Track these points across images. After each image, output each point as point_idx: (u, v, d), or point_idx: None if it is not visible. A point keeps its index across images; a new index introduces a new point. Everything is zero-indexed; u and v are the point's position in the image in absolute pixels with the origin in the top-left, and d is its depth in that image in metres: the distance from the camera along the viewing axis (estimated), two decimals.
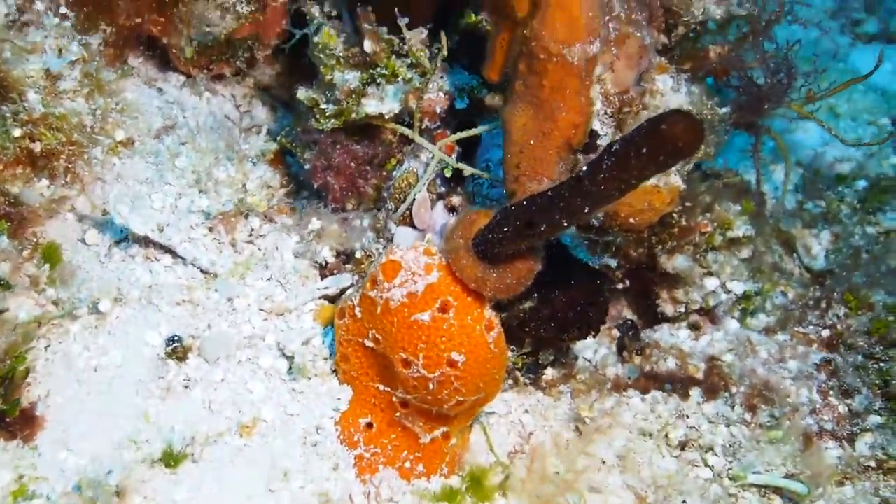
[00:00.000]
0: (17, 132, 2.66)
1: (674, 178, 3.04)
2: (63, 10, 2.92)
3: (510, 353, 2.86)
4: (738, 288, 3.36)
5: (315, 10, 3.07)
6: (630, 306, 3.53)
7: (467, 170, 2.89)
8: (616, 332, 3.46)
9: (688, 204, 3.20)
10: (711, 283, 3.34)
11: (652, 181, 2.59)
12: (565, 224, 2.15)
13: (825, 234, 3.80)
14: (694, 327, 3.38)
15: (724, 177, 3.81)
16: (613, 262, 3.18)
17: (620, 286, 3.39)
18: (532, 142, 2.41)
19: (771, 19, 3.22)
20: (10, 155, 2.68)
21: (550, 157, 2.44)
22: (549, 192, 2.14)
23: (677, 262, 3.24)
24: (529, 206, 2.20)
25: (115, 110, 2.94)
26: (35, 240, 2.71)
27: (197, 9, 3.10)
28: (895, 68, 5.21)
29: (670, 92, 3.06)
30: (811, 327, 3.38)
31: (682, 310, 3.36)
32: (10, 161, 2.71)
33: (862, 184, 4.05)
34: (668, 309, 3.37)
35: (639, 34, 2.85)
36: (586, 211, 2.10)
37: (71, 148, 2.72)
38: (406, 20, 2.78)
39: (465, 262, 2.40)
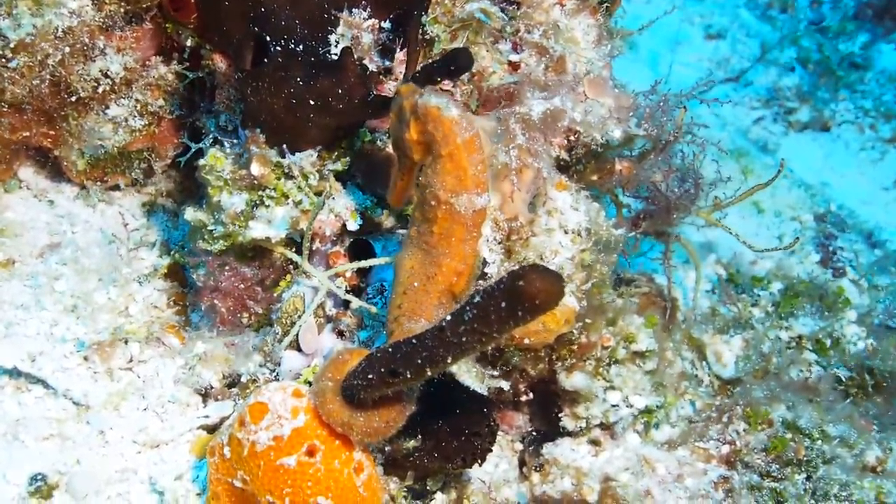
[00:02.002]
0: None
1: (568, 300, 3.03)
2: None
3: (393, 485, 2.82)
4: (640, 402, 3.33)
5: (210, 125, 3.06)
6: (534, 418, 3.49)
7: (355, 302, 2.86)
8: (518, 446, 3.43)
9: (588, 320, 3.18)
10: (614, 397, 3.30)
11: None
12: (429, 372, 2.15)
13: (737, 339, 3.78)
14: (594, 443, 3.34)
15: (637, 282, 3.81)
16: (506, 385, 3.14)
17: (524, 398, 3.36)
18: (416, 284, 2.47)
19: (669, 139, 3.23)
20: None
21: (431, 300, 2.51)
22: (413, 341, 2.15)
23: (576, 380, 3.20)
24: (393, 355, 2.20)
25: None
26: None
27: (87, 123, 3.05)
28: (826, 157, 5.25)
29: (570, 210, 3.06)
30: (712, 442, 3.35)
31: (583, 425, 3.32)
32: None
33: (778, 286, 4.04)
34: (570, 424, 3.33)
35: (536, 164, 2.85)
36: (449, 360, 2.12)
37: None
38: (292, 158, 2.77)
39: (332, 406, 2.38)
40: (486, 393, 3.07)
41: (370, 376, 2.25)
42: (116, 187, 3.36)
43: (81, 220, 3.23)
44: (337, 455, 2.43)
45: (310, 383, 2.66)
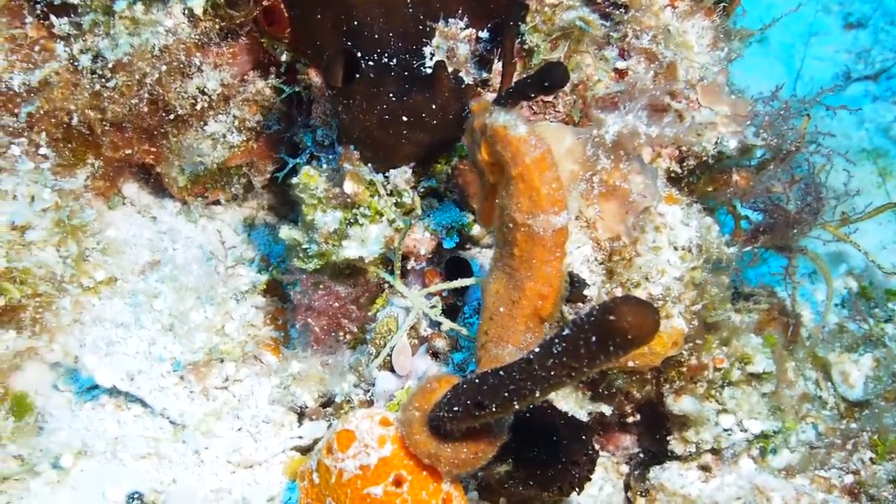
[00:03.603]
0: None
1: (676, 321, 2.87)
2: (43, 150, 2.91)
3: None
4: (755, 426, 3.13)
5: (307, 140, 3.03)
6: (641, 439, 3.34)
7: (446, 323, 2.78)
8: (624, 468, 3.29)
9: (698, 341, 3.00)
10: (727, 421, 3.12)
11: None
12: (516, 406, 2.06)
13: (867, 358, 3.52)
14: (704, 469, 3.16)
15: (756, 297, 3.59)
16: (608, 410, 3.00)
17: (631, 419, 3.21)
18: (502, 309, 2.35)
19: (791, 149, 3.00)
20: None
21: (517, 325, 2.38)
22: (500, 373, 2.06)
23: (684, 405, 3.04)
24: (480, 387, 2.11)
25: (97, 250, 2.96)
26: (3, 391, 2.73)
27: (187, 140, 3.08)
28: None
29: (680, 225, 2.89)
30: (834, 471, 3.12)
31: (693, 450, 3.15)
32: None
33: None
34: (679, 448, 3.16)
35: (626, 185, 2.69)
36: (537, 394, 2.01)
37: (38, 300, 2.73)
38: (380, 176, 2.71)
39: (419, 436, 2.31)
40: (586, 418, 2.94)
41: (456, 408, 2.17)
42: (217, 202, 3.39)
43: (183, 237, 3.27)
44: (424, 486, 2.37)
45: None
